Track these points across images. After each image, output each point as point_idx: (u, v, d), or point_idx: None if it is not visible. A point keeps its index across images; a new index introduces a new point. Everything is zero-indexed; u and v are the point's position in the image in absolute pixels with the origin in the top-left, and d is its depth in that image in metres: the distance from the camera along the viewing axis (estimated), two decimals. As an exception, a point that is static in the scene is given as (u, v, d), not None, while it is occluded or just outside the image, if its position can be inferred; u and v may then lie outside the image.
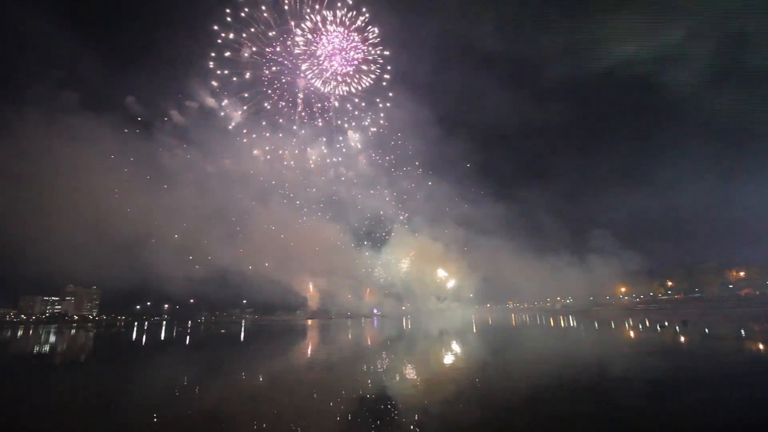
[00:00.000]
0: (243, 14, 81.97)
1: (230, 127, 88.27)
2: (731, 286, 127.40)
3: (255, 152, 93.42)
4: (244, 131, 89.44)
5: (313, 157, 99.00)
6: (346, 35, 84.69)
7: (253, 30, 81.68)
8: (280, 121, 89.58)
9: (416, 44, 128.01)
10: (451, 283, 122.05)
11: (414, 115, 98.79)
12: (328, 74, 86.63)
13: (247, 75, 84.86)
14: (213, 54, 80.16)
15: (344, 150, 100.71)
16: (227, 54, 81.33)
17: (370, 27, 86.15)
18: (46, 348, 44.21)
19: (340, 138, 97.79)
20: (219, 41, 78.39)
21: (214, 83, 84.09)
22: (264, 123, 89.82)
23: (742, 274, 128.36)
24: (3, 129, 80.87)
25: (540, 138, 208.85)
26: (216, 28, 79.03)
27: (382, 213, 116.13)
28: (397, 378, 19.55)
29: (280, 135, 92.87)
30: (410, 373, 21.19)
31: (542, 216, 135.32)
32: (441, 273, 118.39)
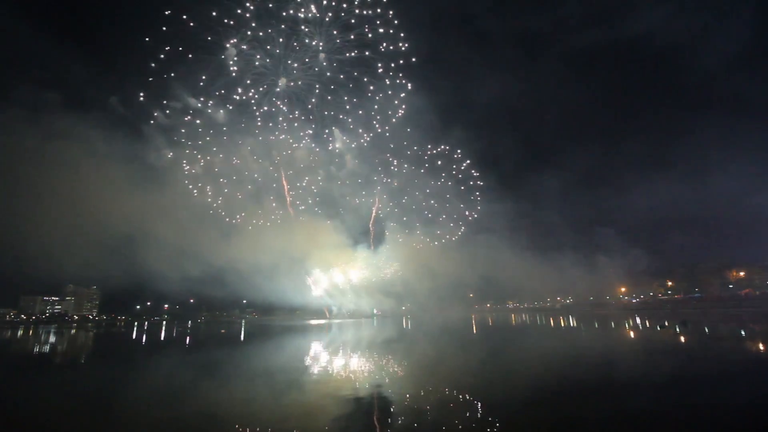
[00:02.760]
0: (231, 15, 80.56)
1: (218, 124, 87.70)
2: (731, 286, 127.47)
3: (245, 150, 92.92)
4: (234, 129, 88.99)
5: (307, 156, 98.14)
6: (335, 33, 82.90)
7: (247, 36, 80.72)
8: (271, 118, 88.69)
9: (411, 20, 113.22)
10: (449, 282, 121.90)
11: (410, 102, 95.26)
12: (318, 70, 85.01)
13: (234, 73, 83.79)
14: (191, 55, 78.58)
15: (337, 148, 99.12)
16: (211, 53, 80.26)
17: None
18: (46, 348, 44.19)
19: (331, 135, 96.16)
20: (181, 40, 76.31)
21: (199, 82, 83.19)
22: (252, 119, 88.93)
23: (742, 274, 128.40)
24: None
25: (540, 131, 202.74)
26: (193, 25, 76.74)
27: (378, 211, 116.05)
28: (398, 379, 19.53)
29: (270, 137, 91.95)
30: (411, 373, 21.18)
31: (542, 215, 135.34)
32: (439, 271, 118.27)
